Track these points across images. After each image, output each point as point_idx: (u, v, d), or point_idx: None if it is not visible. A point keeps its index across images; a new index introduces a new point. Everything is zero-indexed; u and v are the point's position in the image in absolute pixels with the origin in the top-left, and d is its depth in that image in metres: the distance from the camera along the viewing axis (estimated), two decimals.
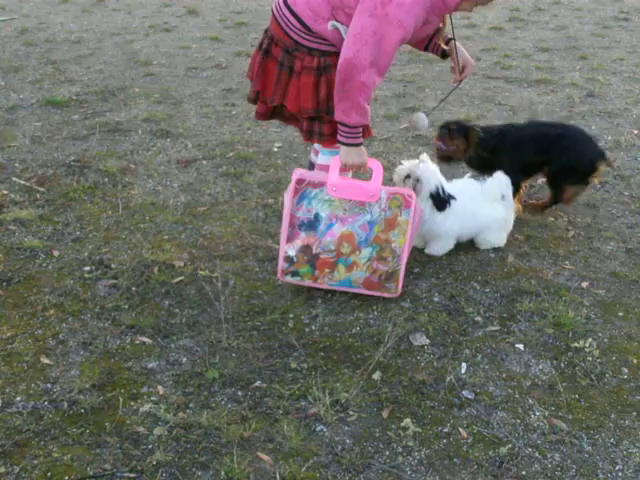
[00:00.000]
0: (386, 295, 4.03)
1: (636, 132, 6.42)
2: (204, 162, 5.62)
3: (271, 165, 5.60)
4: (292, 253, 3.99)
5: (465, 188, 4.47)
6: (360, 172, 4.04)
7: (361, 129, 3.88)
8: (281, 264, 4.02)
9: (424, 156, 4.36)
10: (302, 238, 3.98)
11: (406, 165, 4.34)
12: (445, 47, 4.22)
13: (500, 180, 4.46)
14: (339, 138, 3.88)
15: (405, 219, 3.97)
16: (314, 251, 3.98)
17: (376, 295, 4.04)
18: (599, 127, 6.51)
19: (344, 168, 3.97)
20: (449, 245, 4.47)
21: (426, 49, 4.22)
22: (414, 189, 4.24)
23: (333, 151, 4.04)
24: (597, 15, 10.47)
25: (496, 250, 4.54)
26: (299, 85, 3.89)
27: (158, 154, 5.76)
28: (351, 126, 3.82)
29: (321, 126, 3.98)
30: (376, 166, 3.98)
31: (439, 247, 4.47)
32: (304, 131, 4.03)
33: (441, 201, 4.28)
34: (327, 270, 3.99)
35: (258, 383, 3.44)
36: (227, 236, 4.61)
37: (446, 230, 4.39)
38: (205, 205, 4.99)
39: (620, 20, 10.24)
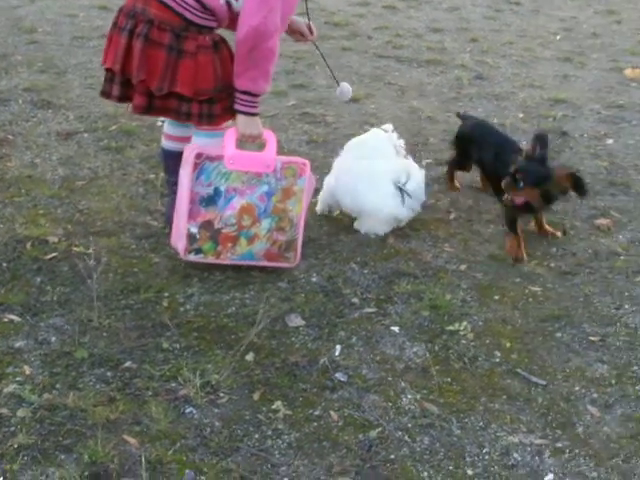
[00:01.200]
0: (286, 265, 4.05)
1: (521, 115, 6.50)
2: (85, 135, 5.48)
3: (154, 139, 5.47)
4: (195, 230, 3.92)
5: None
6: (255, 143, 4.00)
7: (260, 98, 3.83)
8: (184, 242, 3.94)
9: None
10: (203, 214, 3.91)
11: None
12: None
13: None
14: (240, 108, 3.83)
15: (300, 187, 3.98)
16: (216, 226, 3.93)
17: (276, 266, 4.05)
18: (486, 110, 6.57)
19: (242, 139, 3.92)
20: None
21: None
22: None
23: (212, 133, 3.99)
24: None
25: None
26: (196, 66, 3.78)
27: (38, 125, 5.59)
28: (255, 94, 3.81)
29: (211, 107, 3.89)
30: (270, 137, 3.98)
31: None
32: (195, 115, 3.90)
33: None
34: (230, 244, 3.95)
35: (128, 364, 3.36)
36: (105, 212, 4.50)
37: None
38: (84, 179, 4.87)
39: (512, 4, 10.34)
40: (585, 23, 9.73)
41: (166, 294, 3.84)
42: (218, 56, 3.81)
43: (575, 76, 7.71)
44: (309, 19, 4.30)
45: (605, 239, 4.67)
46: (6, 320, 3.57)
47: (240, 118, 3.87)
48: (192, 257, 3.97)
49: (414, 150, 5.59)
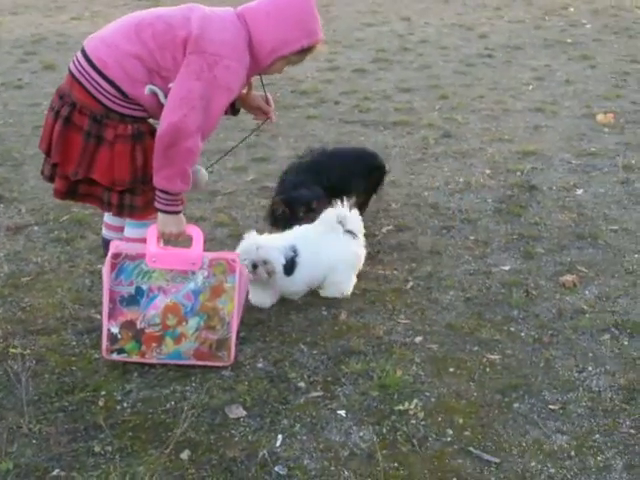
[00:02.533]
0: (219, 364, 3.83)
1: (488, 172, 6.35)
2: (36, 228, 5.34)
3: None
4: (115, 330, 3.78)
5: (305, 235, 4.36)
6: (178, 240, 3.86)
7: (181, 196, 3.72)
8: (105, 343, 3.80)
9: (251, 236, 4.24)
10: (124, 314, 3.78)
11: (246, 256, 4.16)
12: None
13: (333, 211, 4.39)
14: (158, 206, 3.71)
15: (231, 285, 3.80)
16: (138, 326, 3.78)
17: (209, 365, 3.83)
18: (452, 169, 6.42)
19: (162, 237, 3.80)
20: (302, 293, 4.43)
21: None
22: (268, 273, 4.14)
23: (142, 223, 3.87)
24: (462, 52, 10.43)
25: (329, 307, 4.36)
26: (112, 155, 3.69)
27: None
28: (173, 193, 3.67)
29: (132, 198, 3.79)
30: (196, 232, 3.83)
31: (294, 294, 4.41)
32: (114, 205, 3.81)
33: (291, 266, 4.20)
34: (154, 344, 3.79)
35: (56, 472, 3.19)
36: (48, 308, 4.34)
37: (299, 288, 4.36)
38: (30, 275, 4.71)
39: (484, 57, 10.22)
40: (559, 71, 9.60)
41: (103, 392, 3.67)
42: (140, 147, 3.70)
43: (546, 126, 7.57)
44: (265, 92, 4.19)
45: (570, 297, 4.50)
46: None
47: (159, 215, 3.74)
48: (115, 357, 3.81)
49: (374, 217, 5.45)
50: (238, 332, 3.92)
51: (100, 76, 3.64)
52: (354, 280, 4.51)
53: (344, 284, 4.46)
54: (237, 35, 3.66)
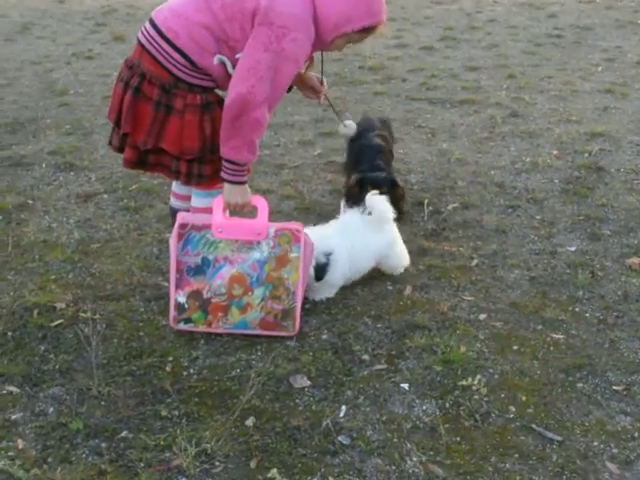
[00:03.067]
0: (284, 334, 3.88)
1: (556, 152, 6.30)
2: (105, 196, 5.44)
3: None
4: (182, 300, 3.84)
5: (346, 227, 4.30)
6: (244, 211, 3.90)
7: (247, 166, 3.76)
8: (172, 312, 3.87)
9: None
10: (191, 283, 3.84)
11: None
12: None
13: (379, 204, 4.30)
14: (224, 176, 3.74)
15: (296, 255, 3.84)
16: (205, 296, 3.84)
17: (274, 335, 3.88)
18: (518, 148, 6.39)
19: (228, 208, 3.84)
20: (332, 293, 4.27)
21: None
22: None
23: (209, 193, 3.92)
24: (531, 32, 10.36)
25: (394, 282, 4.38)
26: (182, 124, 3.73)
27: (59, 189, 5.55)
28: (240, 164, 3.70)
29: (200, 167, 3.83)
30: (261, 203, 3.87)
31: (321, 294, 4.26)
32: (183, 174, 3.85)
33: (321, 270, 4.09)
34: (220, 314, 3.84)
35: (124, 433, 3.25)
36: (116, 274, 4.43)
37: (335, 281, 4.22)
38: (99, 242, 4.80)
39: (553, 37, 10.14)
40: (630, 52, 9.47)
41: (170, 358, 3.73)
42: (209, 116, 3.73)
43: (615, 108, 7.49)
44: (322, 74, 4.21)
45: (636, 279, 4.47)
46: (5, 392, 3.49)
47: (225, 186, 3.78)
48: (182, 326, 3.87)
49: (440, 194, 5.46)
50: (303, 304, 3.96)
51: (171, 46, 3.68)
52: (405, 249, 4.49)
53: (400, 260, 4.46)
54: (304, 8, 3.67)
